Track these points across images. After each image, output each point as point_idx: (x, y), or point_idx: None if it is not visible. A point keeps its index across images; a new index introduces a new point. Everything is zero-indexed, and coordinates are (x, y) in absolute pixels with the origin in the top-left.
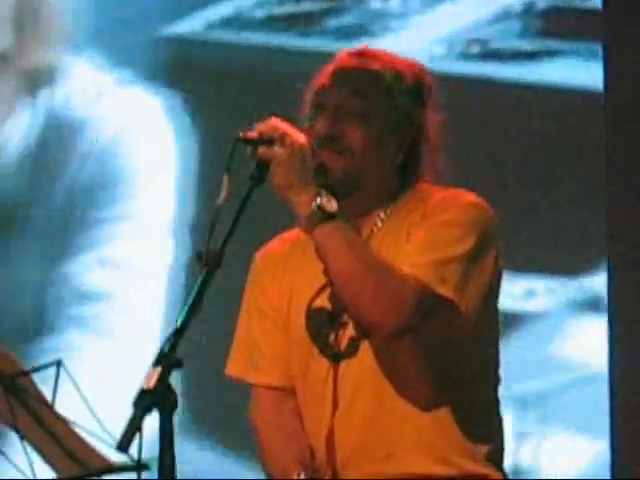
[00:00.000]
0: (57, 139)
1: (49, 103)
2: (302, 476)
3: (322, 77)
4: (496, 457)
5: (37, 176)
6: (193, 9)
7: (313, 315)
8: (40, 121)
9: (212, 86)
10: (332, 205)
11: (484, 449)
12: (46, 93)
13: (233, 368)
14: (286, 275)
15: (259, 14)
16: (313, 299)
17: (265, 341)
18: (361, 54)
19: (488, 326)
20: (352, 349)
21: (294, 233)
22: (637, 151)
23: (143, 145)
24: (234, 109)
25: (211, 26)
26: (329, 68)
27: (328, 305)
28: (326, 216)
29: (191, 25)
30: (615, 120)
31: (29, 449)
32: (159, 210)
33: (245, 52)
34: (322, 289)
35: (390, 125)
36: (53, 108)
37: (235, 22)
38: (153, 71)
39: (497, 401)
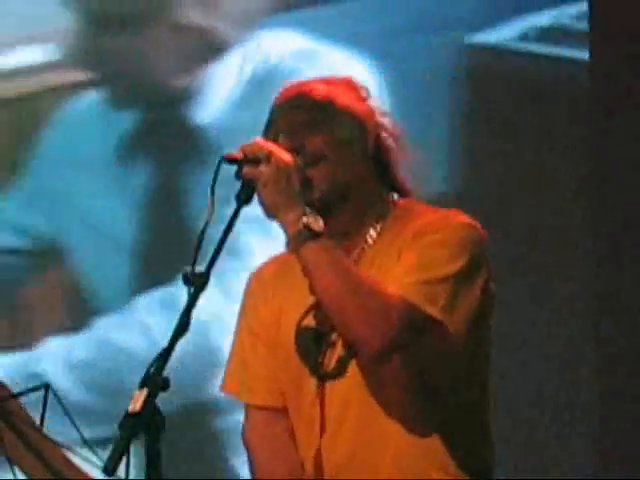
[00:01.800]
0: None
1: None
2: None
3: (267, 118)
4: (484, 477)
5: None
6: (505, 19)
7: (302, 334)
8: (248, 76)
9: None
10: (319, 224)
11: (471, 469)
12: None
13: (228, 385)
14: (277, 295)
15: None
16: (302, 318)
17: (257, 361)
18: (290, 86)
19: (478, 348)
20: (340, 369)
21: (286, 253)
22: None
23: None
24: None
25: (524, 37)
26: (270, 108)
27: (317, 324)
28: (312, 235)
29: (502, 34)
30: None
31: (18, 472)
32: None
33: (560, 65)
34: (311, 308)
35: (343, 125)
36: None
37: (552, 34)
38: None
39: (487, 423)
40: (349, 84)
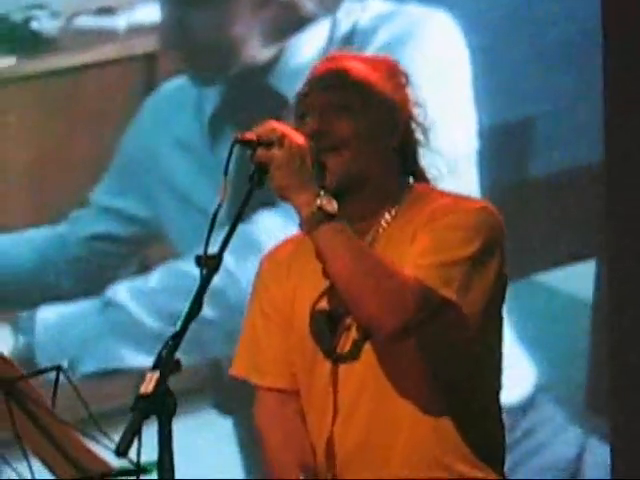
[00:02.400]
0: None
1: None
2: (301, 478)
3: (301, 87)
4: (495, 461)
5: None
6: None
7: (316, 317)
8: (337, 43)
9: None
10: (332, 206)
11: (483, 453)
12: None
13: (237, 368)
14: (290, 277)
15: None
16: (317, 301)
17: (268, 343)
18: (332, 58)
19: (491, 331)
20: (354, 352)
21: (301, 235)
22: None
23: None
24: None
25: None
26: (307, 78)
27: (332, 307)
28: (326, 217)
29: None
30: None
31: (29, 453)
32: None
33: None
34: (326, 291)
35: (376, 114)
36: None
37: None
38: None
39: (499, 406)
40: (390, 68)
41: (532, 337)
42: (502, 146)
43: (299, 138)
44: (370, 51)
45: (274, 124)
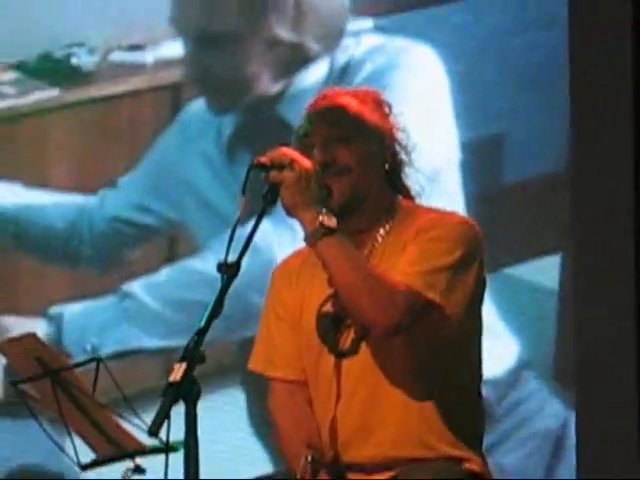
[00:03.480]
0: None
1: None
2: (309, 458)
3: (303, 122)
4: (474, 441)
5: None
6: None
7: (322, 319)
8: (335, 75)
9: None
10: (332, 222)
11: (463, 435)
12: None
13: (255, 364)
14: (299, 285)
15: None
16: (322, 305)
17: (281, 341)
18: (326, 96)
19: (472, 329)
20: (354, 348)
21: (307, 249)
22: None
23: None
24: None
25: None
26: (306, 114)
27: (335, 311)
28: (328, 231)
29: None
30: None
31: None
32: None
33: None
34: (330, 297)
35: (369, 143)
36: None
37: None
38: None
39: (479, 395)
40: (375, 100)
41: (514, 319)
42: (479, 158)
43: (306, 163)
44: (363, 77)
45: (285, 150)
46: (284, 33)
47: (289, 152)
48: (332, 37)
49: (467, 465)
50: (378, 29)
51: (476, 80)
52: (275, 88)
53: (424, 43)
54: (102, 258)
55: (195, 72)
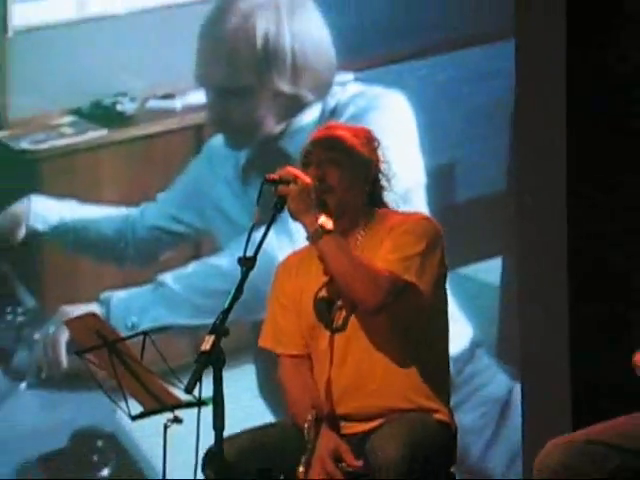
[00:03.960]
0: None
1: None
2: (313, 416)
3: (306, 145)
4: (444, 396)
5: None
6: None
7: (318, 303)
8: (326, 115)
9: None
10: (329, 224)
11: (436, 391)
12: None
13: (264, 342)
14: (298, 277)
15: None
16: (318, 292)
17: (285, 324)
18: (328, 127)
19: (440, 303)
20: (344, 324)
21: (305, 249)
22: None
23: None
24: None
25: None
26: (309, 139)
27: (328, 295)
28: (325, 231)
29: None
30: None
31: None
32: None
33: None
34: (324, 285)
35: (357, 168)
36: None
37: None
38: None
39: (447, 357)
40: (368, 136)
41: (468, 308)
42: (438, 181)
43: (307, 179)
44: (347, 117)
45: (290, 169)
46: (284, 87)
47: (293, 170)
48: (323, 87)
49: (438, 415)
50: (359, 80)
51: (436, 119)
52: (278, 128)
53: (396, 90)
54: (142, 257)
55: (217, 116)
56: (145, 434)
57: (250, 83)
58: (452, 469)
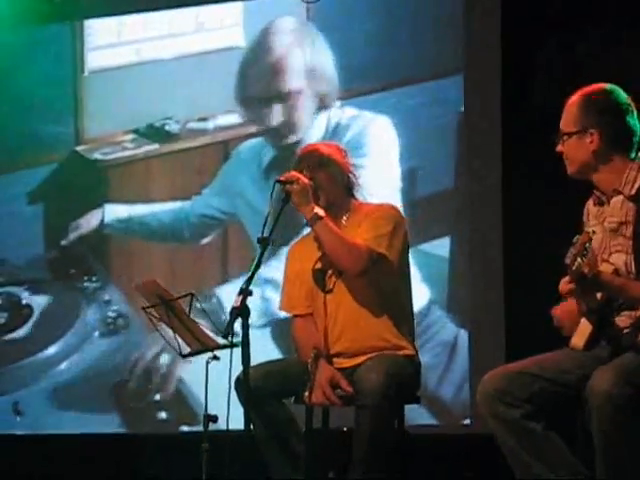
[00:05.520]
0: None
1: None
2: (314, 353)
3: (299, 157)
4: (411, 337)
5: None
6: None
7: (316, 272)
8: (329, 134)
9: None
10: (322, 212)
11: (405, 333)
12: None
13: (282, 306)
14: (302, 254)
15: None
16: (315, 264)
17: (295, 291)
18: (309, 145)
19: (404, 269)
20: (334, 287)
21: (303, 238)
22: None
23: None
24: None
25: None
26: (300, 153)
27: (322, 266)
28: (320, 218)
29: None
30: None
31: (178, 337)
32: None
33: None
34: (319, 259)
35: (336, 171)
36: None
37: None
38: None
39: (412, 308)
40: (339, 148)
41: (426, 274)
42: (404, 181)
43: (306, 180)
44: (347, 138)
45: (293, 172)
46: (298, 83)
47: (295, 174)
48: (329, 102)
49: (406, 351)
50: (353, 105)
51: (403, 135)
52: (294, 138)
53: (383, 115)
54: (194, 237)
55: (256, 121)
56: (192, 369)
57: (276, 93)
58: (417, 393)
